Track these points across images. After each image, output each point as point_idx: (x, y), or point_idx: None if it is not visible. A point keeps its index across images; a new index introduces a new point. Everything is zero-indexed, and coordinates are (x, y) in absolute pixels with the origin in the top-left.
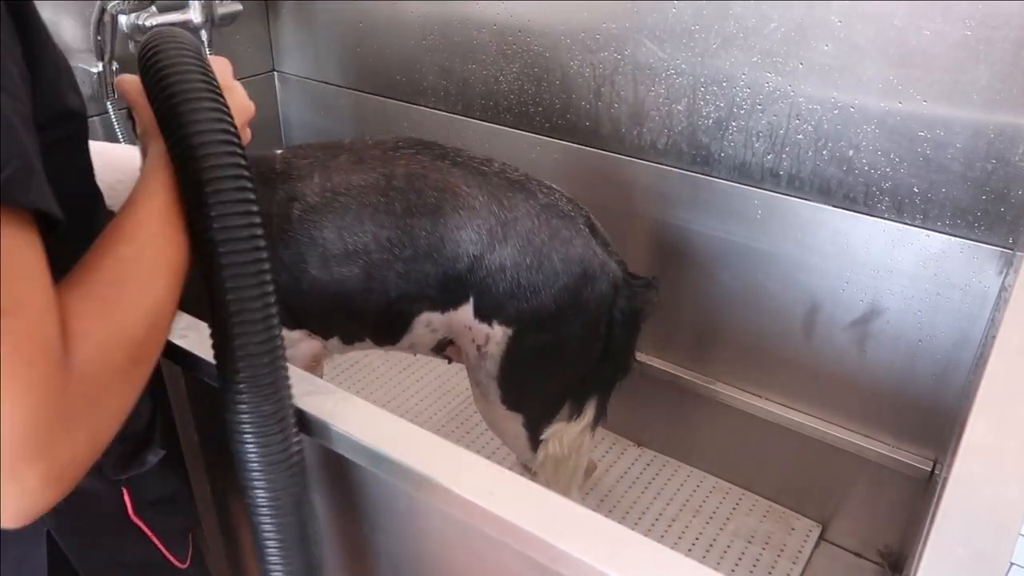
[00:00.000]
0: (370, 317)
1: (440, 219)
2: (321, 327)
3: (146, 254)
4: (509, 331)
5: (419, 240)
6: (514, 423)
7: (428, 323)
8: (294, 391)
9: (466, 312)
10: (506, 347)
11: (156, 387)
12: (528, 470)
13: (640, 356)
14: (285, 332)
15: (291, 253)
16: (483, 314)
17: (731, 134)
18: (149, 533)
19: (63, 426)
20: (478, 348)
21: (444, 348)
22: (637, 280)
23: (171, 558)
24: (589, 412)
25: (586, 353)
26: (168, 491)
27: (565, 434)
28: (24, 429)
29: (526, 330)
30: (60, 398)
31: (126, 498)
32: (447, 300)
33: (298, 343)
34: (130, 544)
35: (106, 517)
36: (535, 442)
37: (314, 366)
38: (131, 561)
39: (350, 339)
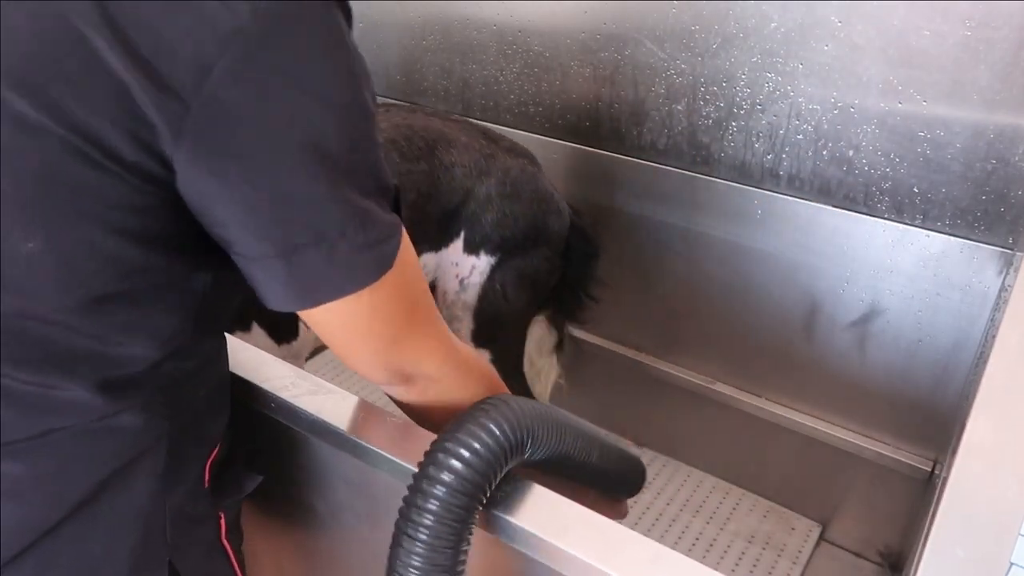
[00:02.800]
0: None
1: (435, 158)
2: None
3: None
4: (492, 260)
5: (420, 182)
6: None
7: (424, 265)
8: (296, 390)
9: (456, 247)
10: (488, 276)
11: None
12: None
13: (640, 356)
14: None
15: None
16: (472, 246)
17: (731, 134)
18: (232, 555)
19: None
20: (461, 282)
21: None
22: (582, 219)
23: None
24: (550, 340)
25: (548, 283)
26: (236, 516)
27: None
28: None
29: (506, 257)
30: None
31: (222, 523)
32: (442, 238)
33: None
34: (219, 567)
35: (207, 543)
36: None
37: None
38: None
39: None
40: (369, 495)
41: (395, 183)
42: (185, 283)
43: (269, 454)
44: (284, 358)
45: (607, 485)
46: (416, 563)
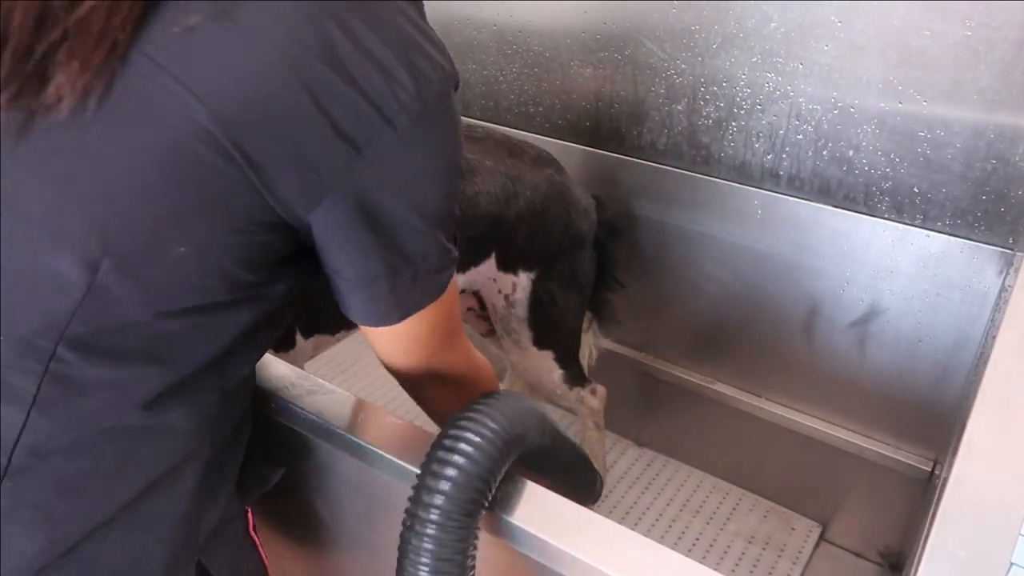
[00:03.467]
0: None
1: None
2: (320, 325)
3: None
4: (532, 275)
5: None
6: (546, 360)
7: None
8: (298, 391)
9: (489, 266)
10: (531, 290)
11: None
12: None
13: (640, 356)
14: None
15: None
16: (507, 265)
17: (731, 134)
18: (259, 546)
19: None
20: (506, 298)
21: None
22: (605, 210)
23: (268, 567)
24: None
25: (591, 279)
26: (260, 508)
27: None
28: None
29: (546, 270)
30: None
31: (249, 517)
32: (468, 260)
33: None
34: (248, 559)
35: (237, 539)
36: (568, 374)
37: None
38: (247, 571)
39: (345, 327)
40: (369, 495)
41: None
42: (270, 294)
43: (269, 454)
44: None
45: (569, 484)
46: (425, 561)
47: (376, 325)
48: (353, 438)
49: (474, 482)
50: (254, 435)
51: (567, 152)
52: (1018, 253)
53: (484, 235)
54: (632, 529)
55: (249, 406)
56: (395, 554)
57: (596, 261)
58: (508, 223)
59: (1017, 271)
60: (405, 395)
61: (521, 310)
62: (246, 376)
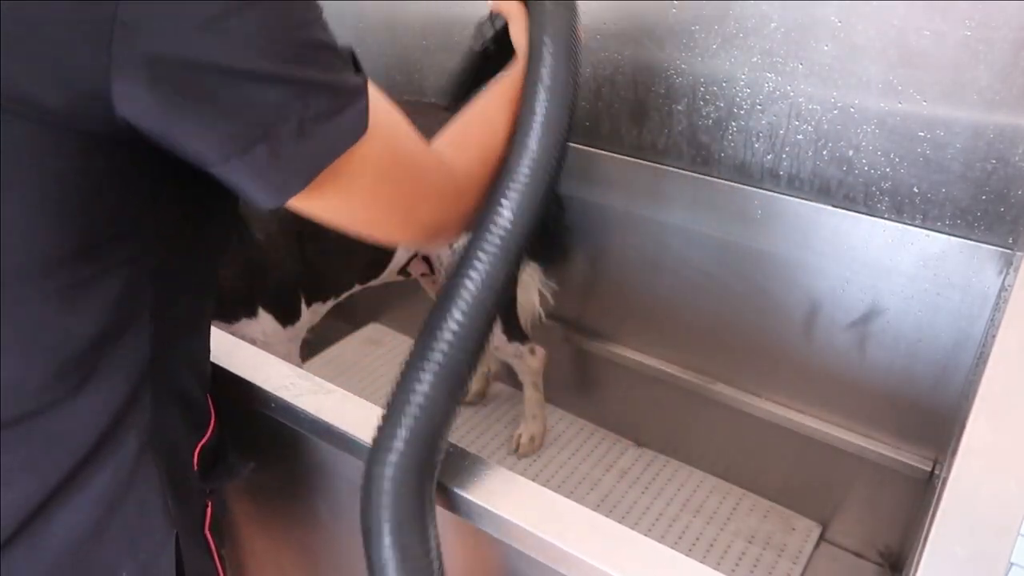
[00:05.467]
0: (364, 259)
1: None
2: (320, 292)
3: (488, 114)
4: None
5: None
6: None
7: (408, 250)
8: (296, 390)
9: None
10: None
11: (218, 410)
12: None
13: (640, 356)
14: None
15: (312, 221)
16: None
17: (731, 134)
18: (214, 550)
19: (453, 215)
20: (453, 249)
21: (407, 265)
22: None
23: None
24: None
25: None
26: (221, 510)
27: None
28: (433, 222)
29: None
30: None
31: (208, 511)
32: None
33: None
34: (197, 559)
35: (188, 530)
36: (506, 326)
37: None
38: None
39: (339, 292)
40: None
41: (348, 47)
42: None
43: (269, 454)
44: (288, 340)
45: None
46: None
47: (281, 201)
48: (353, 438)
49: (415, 462)
50: (240, 436)
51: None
52: (1018, 253)
53: None
54: (632, 529)
55: (201, 336)
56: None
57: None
58: None
59: (1017, 271)
60: None
61: None
62: (180, 270)
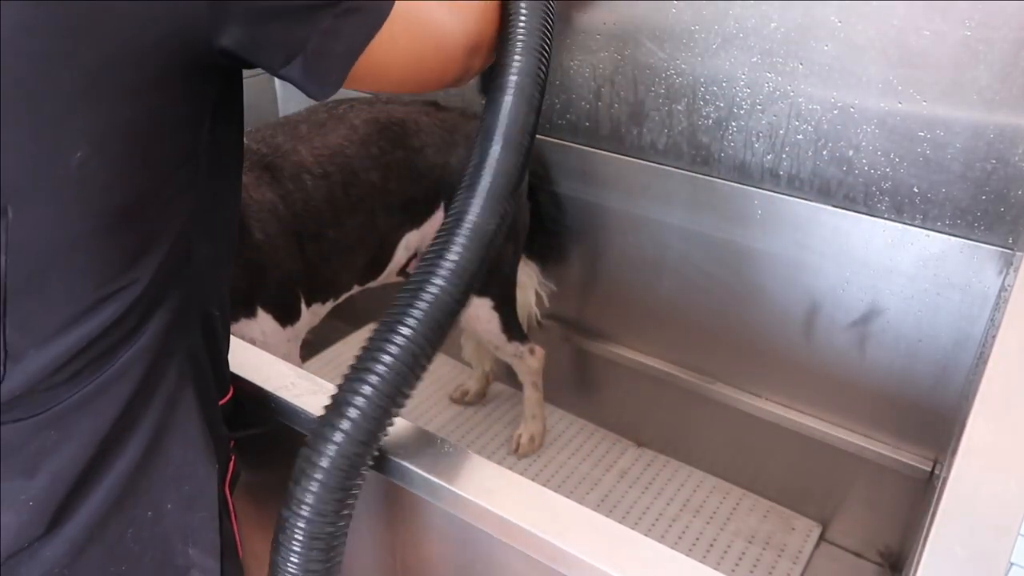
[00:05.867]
0: (364, 259)
1: (408, 144)
2: (320, 293)
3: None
4: None
5: (401, 169)
6: (486, 307)
7: (407, 244)
8: (296, 390)
9: (438, 217)
10: None
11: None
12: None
13: (640, 356)
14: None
15: (312, 222)
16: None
17: (731, 134)
18: (231, 508)
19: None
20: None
21: (407, 266)
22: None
23: (238, 541)
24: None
25: (526, 228)
26: (237, 471)
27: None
28: (471, 43)
29: None
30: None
31: (230, 466)
32: (424, 213)
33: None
34: (204, 525)
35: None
36: (505, 325)
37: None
38: (207, 540)
39: (338, 292)
40: (368, 494)
41: None
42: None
43: (269, 454)
44: (287, 341)
45: None
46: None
47: (333, 90)
48: None
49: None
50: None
51: (567, 152)
52: (1018, 253)
53: (436, 184)
54: (632, 529)
55: (224, 261)
56: (389, 550)
57: (531, 211)
58: (451, 171)
59: (1017, 271)
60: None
61: None
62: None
